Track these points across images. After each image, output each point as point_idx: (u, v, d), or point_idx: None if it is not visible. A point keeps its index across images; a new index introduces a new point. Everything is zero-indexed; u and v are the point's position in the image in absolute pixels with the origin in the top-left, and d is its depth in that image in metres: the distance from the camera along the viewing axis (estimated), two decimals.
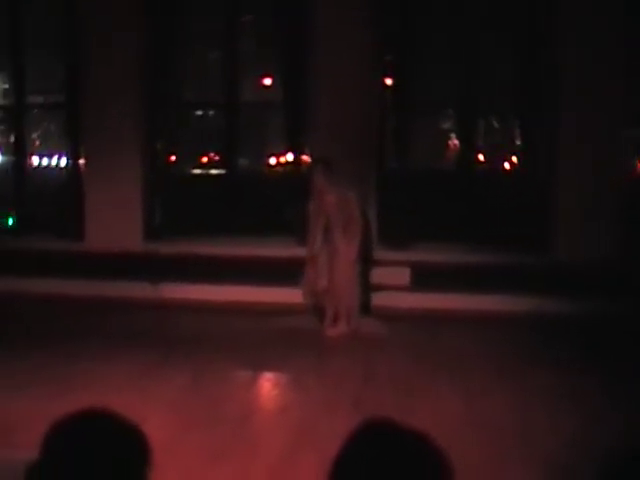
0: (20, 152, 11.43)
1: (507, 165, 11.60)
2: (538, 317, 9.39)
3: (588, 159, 9.73)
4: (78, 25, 10.53)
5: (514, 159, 11.38)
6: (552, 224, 9.84)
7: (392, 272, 9.89)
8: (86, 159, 10.80)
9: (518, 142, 10.84)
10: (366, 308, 9.33)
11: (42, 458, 1.94)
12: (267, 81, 11.76)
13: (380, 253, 9.80)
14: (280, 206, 10.65)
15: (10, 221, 11.55)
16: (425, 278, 9.87)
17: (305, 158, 10.47)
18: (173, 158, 11.03)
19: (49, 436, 1.96)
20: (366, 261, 9.27)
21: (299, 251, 9.52)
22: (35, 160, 12.13)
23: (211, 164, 12.12)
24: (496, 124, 11.84)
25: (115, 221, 10.51)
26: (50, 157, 12.29)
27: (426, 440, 1.82)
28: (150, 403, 6.52)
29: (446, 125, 12.02)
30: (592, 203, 9.72)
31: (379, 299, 9.57)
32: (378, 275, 9.64)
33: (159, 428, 5.49)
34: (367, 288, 9.39)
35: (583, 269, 9.62)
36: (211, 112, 12.34)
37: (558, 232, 9.79)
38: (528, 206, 10.07)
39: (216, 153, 12.01)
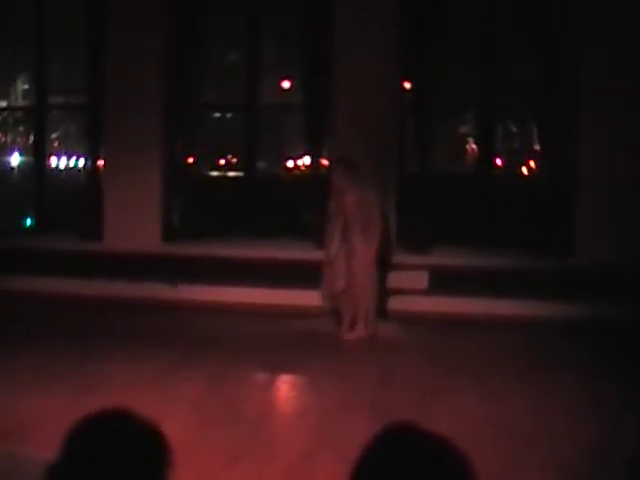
0: (40, 153, 11.47)
1: (525, 169, 11.58)
2: (558, 321, 9.35)
3: (607, 163, 9.68)
4: (100, 26, 10.57)
5: (532, 163, 11.35)
6: (571, 228, 9.78)
7: (410, 276, 9.87)
8: (105, 160, 10.83)
9: (537, 146, 10.80)
10: (383, 311, 9.31)
11: (62, 458, 1.94)
12: (286, 84, 11.77)
13: (399, 256, 9.79)
14: (298, 209, 10.66)
15: (29, 221, 11.61)
16: (443, 282, 9.85)
17: (324, 161, 10.46)
18: (191, 160, 11.04)
19: (70, 436, 1.97)
20: (384, 264, 9.25)
21: (317, 254, 9.52)
22: (54, 161, 12.17)
23: (229, 166, 12.15)
24: (514, 128, 11.82)
25: (134, 222, 10.54)
26: (69, 158, 12.34)
27: (449, 445, 1.81)
28: (169, 403, 6.53)
29: (465, 129, 12.01)
30: (612, 207, 9.67)
31: (397, 303, 9.56)
32: (396, 278, 9.62)
33: (178, 428, 5.49)
34: (384, 291, 9.38)
35: (603, 273, 9.57)
36: (229, 114, 12.37)
37: (577, 236, 9.75)
38: (547, 210, 10.02)
39: (234, 155, 12.03)
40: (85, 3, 10.80)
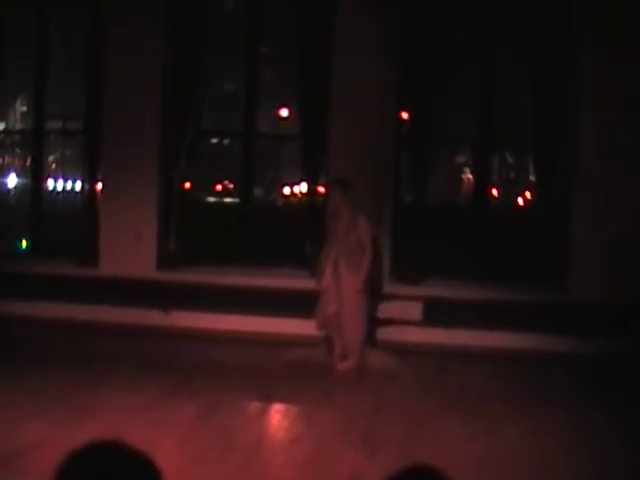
0: (36, 176, 11.47)
1: (521, 201, 11.60)
2: (551, 355, 9.35)
3: (604, 196, 9.71)
4: (99, 52, 10.61)
5: (528, 195, 11.37)
6: (567, 261, 9.80)
7: (404, 306, 9.87)
8: (102, 185, 10.84)
9: (533, 178, 10.83)
10: (373, 341, 9.29)
11: None
12: (284, 112, 11.81)
13: (393, 287, 9.81)
14: (294, 236, 10.66)
15: (25, 244, 11.59)
16: (437, 313, 9.85)
17: (320, 189, 10.47)
18: (188, 185, 11.05)
19: (60, 468, 1.95)
20: (374, 294, 9.21)
21: (312, 283, 9.52)
22: (51, 183, 12.17)
23: (226, 192, 12.16)
24: (510, 159, 11.85)
25: (129, 248, 10.53)
26: (66, 181, 12.34)
27: None
28: (162, 431, 6.50)
29: (461, 159, 12.04)
30: (608, 240, 9.68)
31: (390, 333, 9.56)
32: (390, 309, 9.63)
33: (170, 457, 5.47)
34: (375, 321, 9.35)
35: (597, 308, 9.58)
36: (227, 140, 12.40)
37: (573, 269, 9.76)
38: (543, 243, 10.04)
39: (231, 181, 12.05)
40: (85, 29, 10.83)
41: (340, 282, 8.93)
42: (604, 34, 9.69)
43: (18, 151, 12.85)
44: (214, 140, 12.41)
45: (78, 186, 11.73)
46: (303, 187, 10.92)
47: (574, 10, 9.78)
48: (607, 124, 9.71)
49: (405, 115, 10.45)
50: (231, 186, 12.09)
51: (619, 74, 9.68)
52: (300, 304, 9.48)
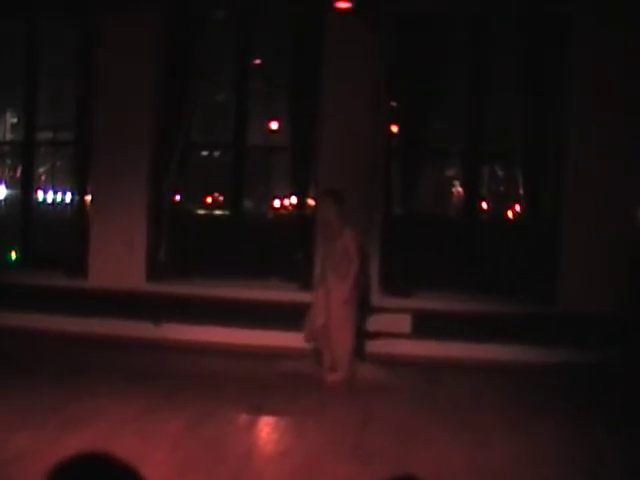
0: (26, 187, 11.45)
1: (511, 213, 11.63)
2: (540, 366, 9.37)
3: (594, 208, 9.74)
4: (89, 64, 10.62)
5: (518, 207, 11.40)
6: (557, 273, 9.83)
7: (393, 319, 9.88)
8: (92, 197, 10.83)
9: (522, 190, 10.86)
10: (361, 354, 9.28)
11: None
12: (274, 124, 11.83)
13: (382, 299, 9.82)
14: (284, 249, 10.66)
15: (14, 255, 11.57)
16: (426, 326, 9.86)
17: (310, 201, 10.48)
18: (178, 198, 11.04)
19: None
20: (363, 305, 9.20)
21: (302, 295, 9.53)
22: (41, 195, 12.16)
23: (215, 205, 12.16)
24: (500, 172, 11.88)
25: (119, 259, 10.52)
26: (56, 192, 12.33)
27: None
28: (150, 443, 6.49)
29: (450, 172, 12.07)
30: (598, 252, 9.72)
31: (379, 346, 9.56)
32: (379, 322, 9.64)
33: (158, 469, 5.46)
34: (363, 333, 9.34)
35: (588, 319, 9.61)
36: (217, 153, 12.41)
37: (563, 281, 9.79)
38: (532, 255, 10.06)
39: (221, 194, 12.06)
40: (74, 41, 10.84)
41: (329, 293, 8.93)
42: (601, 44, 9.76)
43: (8, 162, 12.85)
44: (204, 152, 12.42)
45: (68, 197, 11.72)
46: (293, 199, 10.93)
47: (564, 15, 9.82)
48: (597, 138, 9.74)
49: (395, 128, 10.47)
50: (221, 198, 12.09)
51: (608, 89, 9.72)
52: (290, 316, 9.49)
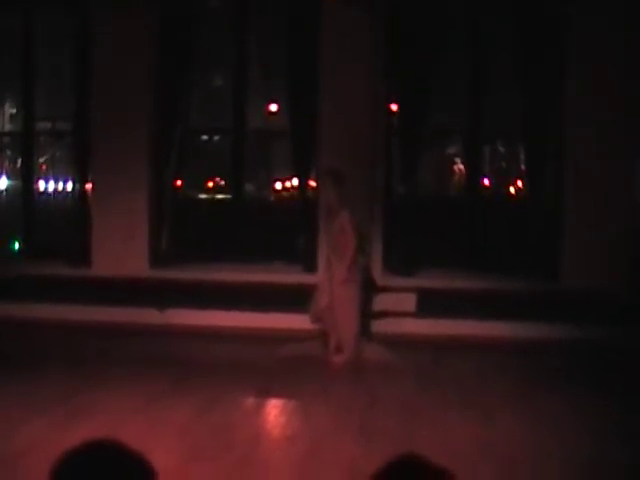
0: (27, 177, 11.45)
1: (513, 190, 11.60)
2: (545, 343, 9.37)
3: (595, 185, 9.73)
4: (87, 52, 10.59)
5: (520, 184, 11.38)
6: (559, 250, 9.82)
7: (398, 298, 9.88)
8: (93, 185, 10.82)
9: (524, 167, 10.84)
10: (368, 334, 9.29)
11: None
12: (273, 107, 11.80)
13: (386, 279, 9.81)
14: (286, 231, 10.66)
15: (17, 246, 11.57)
16: (431, 304, 9.86)
17: (311, 183, 10.46)
18: (179, 183, 11.03)
19: (57, 467, 1.96)
20: (367, 285, 9.19)
21: (306, 277, 9.53)
22: (42, 185, 12.14)
23: (217, 189, 12.15)
24: (502, 149, 11.85)
25: (122, 247, 10.52)
26: (57, 182, 12.32)
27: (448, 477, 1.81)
28: (158, 430, 6.50)
29: (452, 150, 12.04)
30: (600, 229, 9.70)
31: (385, 325, 9.55)
32: (384, 301, 9.63)
33: (166, 455, 5.47)
34: (368, 313, 9.34)
35: (590, 295, 9.60)
36: (217, 137, 12.39)
37: (565, 258, 9.78)
38: (535, 232, 10.05)
39: (222, 178, 12.04)
40: (72, 30, 10.81)
41: (332, 274, 8.95)
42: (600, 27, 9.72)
43: (8, 153, 12.83)
44: (204, 137, 12.39)
45: (69, 187, 11.71)
46: (294, 182, 10.92)
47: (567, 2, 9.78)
48: (595, 109, 9.70)
49: (395, 107, 10.44)
50: (222, 183, 12.08)
51: (608, 67, 9.68)
52: (294, 298, 9.49)
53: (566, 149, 9.82)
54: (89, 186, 10.88)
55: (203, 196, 12.28)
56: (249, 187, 11.62)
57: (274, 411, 7.74)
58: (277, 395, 7.88)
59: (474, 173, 10.63)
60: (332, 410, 7.30)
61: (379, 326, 9.51)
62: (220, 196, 11.99)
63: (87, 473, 1.93)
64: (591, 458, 6.05)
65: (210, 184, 12.31)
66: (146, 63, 10.54)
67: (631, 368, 8.68)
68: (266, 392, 7.82)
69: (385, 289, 9.67)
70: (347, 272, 8.86)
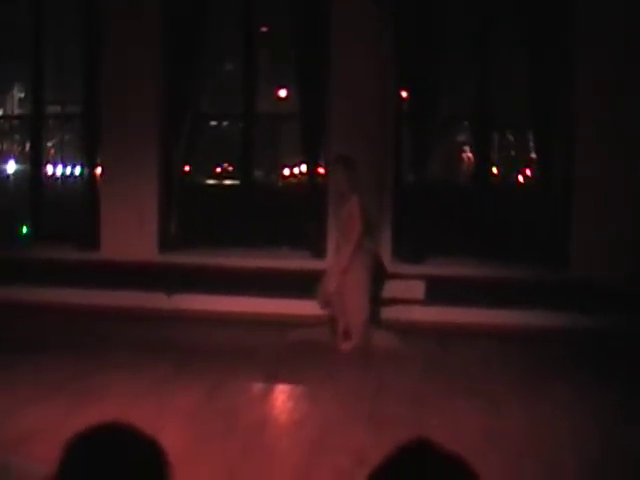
0: (36, 161, 11.44)
1: (522, 178, 11.58)
2: (554, 331, 9.35)
3: (605, 173, 9.68)
4: (97, 36, 10.57)
5: (529, 172, 11.35)
6: (568, 237, 9.79)
7: (407, 285, 9.86)
8: (102, 169, 10.82)
9: (533, 155, 10.80)
10: (377, 321, 9.28)
11: (59, 471, 1.92)
12: (282, 93, 11.77)
13: (395, 266, 9.79)
14: (295, 217, 10.64)
15: (25, 230, 11.59)
16: (440, 292, 9.84)
17: (320, 169, 10.44)
18: (187, 168, 11.03)
19: (66, 449, 1.95)
20: (376, 272, 9.18)
21: (314, 263, 9.52)
22: (50, 169, 12.15)
23: (225, 174, 12.14)
24: (511, 137, 11.82)
25: (130, 231, 10.52)
26: (65, 166, 12.32)
27: (462, 464, 1.80)
28: (166, 414, 6.51)
29: (461, 138, 12.01)
30: (610, 218, 9.66)
31: (393, 312, 9.54)
32: (393, 288, 9.61)
33: (174, 440, 5.46)
34: (377, 300, 9.33)
35: (599, 284, 9.57)
36: (226, 123, 12.37)
37: (574, 246, 9.75)
38: (544, 219, 10.02)
39: (230, 164, 12.03)
40: (82, 14, 10.78)
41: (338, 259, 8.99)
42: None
43: (17, 137, 12.83)
44: (213, 122, 12.37)
45: (78, 171, 11.70)
46: (303, 168, 10.90)
47: None
48: (607, 96, 9.65)
49: (405, 94, 10.41)
50: (231, 168, 12.07)
51: (619, 53, 9.62)
52: (301, 284, 9.47)
53: (576, 137, 9.76)
54: (98, 170, 10.88)
55: (211, 182, 12.27)
56: (257, 173, 11.61)
57: (281, 396, 7.74)
58: (285, 380, 7.88)
59: (483, 161, 10.60)
60: (340, 396, 7.30)
61: (388, 313, 9.50)
62: (228, 182, 11.97)
63: (99, 454, 1.93)
64: (599, 444, 6.04)
65: (218, 170, 12.29)
66: (156, 48, 10.51)
67: (638, 357, 8.65)
68: (274, 377, 7.83)
69: (394, 276, 9.66)
70: (351, 258, 8.86)
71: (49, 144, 12.27)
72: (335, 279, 8.93)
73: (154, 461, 1.97)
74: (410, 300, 9.85)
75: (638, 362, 8.44)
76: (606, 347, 8.94)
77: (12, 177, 12.60)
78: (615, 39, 9.61)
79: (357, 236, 8.88)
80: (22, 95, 12.59)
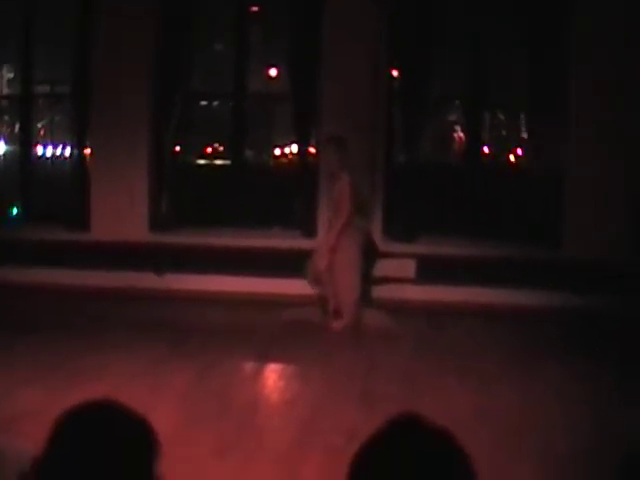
0: (26, 142, 11.40)
1: (513, 158, 11.57)
2: (545, 311, 9.37)
3: (597, 152, 9.67)
4: (86, 15, 10.50)
5: (520, 152, 11.34)
6: (560, 217, 9.79)
7: (398, 264, 9.87)
8: (92, 149, 10.78)
9: (525, 135, 10.79)
10: (369, 300, 9.29)
11: (49, 449, 1.92)
12: (273, 72, 11.73)
13: (386, 245, 9.79)
14: (286, 197, 10.62)
15: (15, 210, 11.55)
16: (431, 271, 9.85)
17: (311, 149, 10.42)
18: (178, 148, 10.99)
19: (56, 427, 1.96)
20: (367, 251, 9.18)
21: (305, 242, 9.52)
22: (40, 150, 12.10)
23: (216, 154, 12.11)
24: (502, 116, 11.81)
25: (121, 211, 10.50)
26: (55, 147, 12.27)
27: (451, 440, 1.80)
28: (158, 394, 6.51)
29: (452, 117, 11.99)
30: (601, 196, 9.66)
31: (384, 291, 9.55)
32: (384, 267, 9.62)
33: (167, 419, 5.48)
34: (368, 279, 9.34)
35: (591, 263, 9.58)
36: (216, 102, 12.31)
37: (566, 226, 9.75)
38: (535, 199, 10.02)
39: (221, 144, 12.00)
40: None
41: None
42: None
43: (6, 118, 12.77)
44: (204, 102, 12.32)
45: (68, 152, 11.65)
46: (294, 148, 10.87)
47: None
48: (599, 72, 9.62)
49: (396, 74, 10.38)
50: (222, 148, 12.03)
51: (611, 29, 9.60)
52: (293, 264, 9.46)
53: (568, 116, 9.75)
54: (88, 151, 10.83)
55: (202, 162, 12.23)
56: (249, 153, 11.58)
57: (273, 376, 7.76)
58: (276, 360, 7.90)
59: (474, 140, 10.59)
60: (332, 375, 7.32)
61: (379, 292, 9.51)
62: (219, 162, 11.94)
63: (88, 432, 1.92)
64: (591, 423, 6.06)
65: (209, 150, 12.26)
66: (146, 27, 10.45)
67: (630, 337, 8.68)
68: (265, 357, 7.83)
69: (385, 255, 9.66)
70: (340, 236, 8.86)
71: (39, 125, 12.21)
72: (325, 257, 8.93)
73: (143, 439, 1.97)
74: (401, 279, 9.85)
75: (629, 342, 8.47)
76: (597, 327, 8.97)
77: (2, 158, 12.54)
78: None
79: (346, 214, 8.88)
80: (11, 75, 12.50)
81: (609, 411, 6.42)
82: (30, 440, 2.47)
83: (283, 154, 11.84)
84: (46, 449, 1.93)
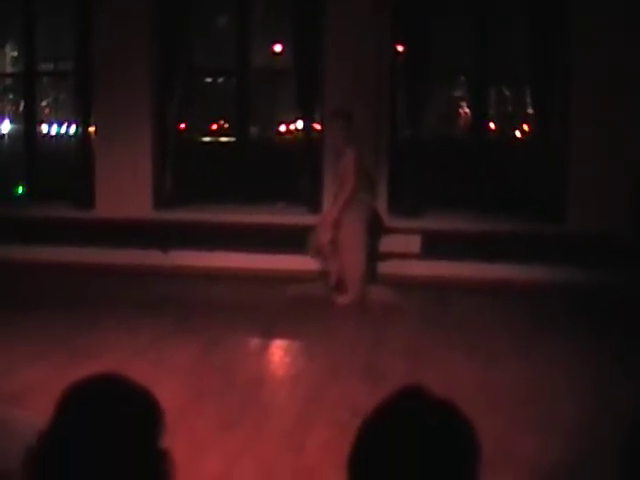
0: (30, 120, 11.39)
1: (519, 133, 11.54)
2: (551, 285, 9.36)
3: (602, 127, 9.63)
4: None
5: (526, 127, 11.30)
6: (565, 193, 9.76)
7: (403, 240, 9.85)
8: (96, 127, 10.77)
9: (530, 110, 10.75)
10: (374, 275, 9.29)
11: (55, 422, 1.93)
12: (278, 48, 11.68)
13: (391, 220, 9.78)
14: (291, 173, 10.60)
15: (20, 189, 11.56)
16: (436, 246, 9.83)
17: (316, 125, 10.40)
18: (182, 125, 10.97)
19: (61, 401, 1.96)
20: (373, 226, 9.17)
21: (310, 218, 9.52)
22: (45, 128, 12.09)
23: (221, 131, 12.08)
24: (508, 92, 11.76)
25: (125, 189, 10.49)
26: (60, 125, 12.26)
27: (455, 412, 1.81)
28: (162, 370, 6.52)
29: (458, 93, 11.95)
30: (606, 172, 9.63)
31: (389, 267, 9.55)
32: (389, 243, 9.61)
33: (172, 395, 5.49)
34: (375, 255, 9.33)
35: (596, 237, 9.56)
36: (221, 78, 12.28)
37: (571, 201, 9.72)
38: (540, 175, 9.99)
39: (226, 120, 11.97)
40: None
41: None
42: None
43: (10, 96, 12.75)
44: (208, 79, 12.28)
45: (72, 129, 11.63)
46: (299, 124, 10.84)
47: None
48: (604, 52, 9.58)
49: (401, 48, 10.33)
50: (226, 125, 12.00)
51: (615, 8, 9.55)
52: (297, 240, 9.46)
53: (574, 90, 9.70)
54: (92, 129, 10.82)
55: (207, 139, 12.21)
56: (253, 129, 11.55)
57: (278, 351, 7.78)
58: (281, 335, 7.91)
59: (480, 115, 10.55)
60: (337, 350, 7.33)
61: (384, 268, 9.51)
62: (224, 139, 11.91)
63: (93, 406, 1.93)
64: (597, 399, 6.07)
65: (214, 127, 12.23)
66: (149, 3, 10.42)
67: (634, 311, 8.67)
68: (270, 333, 7.84)
69: (390, 231, 9.65)
70: (343, 210, 8.85)
71: (43, 103, 12.20)
72: (327, 231, 8.92)
73: (148, 413, 1.97)
74: (406, 254, 9.84)
75: (634, 317, 8.46)
76: (602, 302, 8.95)
77: (7, 136, 12.54)
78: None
79: (349, 189, 8.87)
80: (15, 53, 12.47)
81: (614, 385, 6.43)
82: (33, 413, 2.49)
83: (288, 130, 11.81)
84: (51, 423, 1.93)
